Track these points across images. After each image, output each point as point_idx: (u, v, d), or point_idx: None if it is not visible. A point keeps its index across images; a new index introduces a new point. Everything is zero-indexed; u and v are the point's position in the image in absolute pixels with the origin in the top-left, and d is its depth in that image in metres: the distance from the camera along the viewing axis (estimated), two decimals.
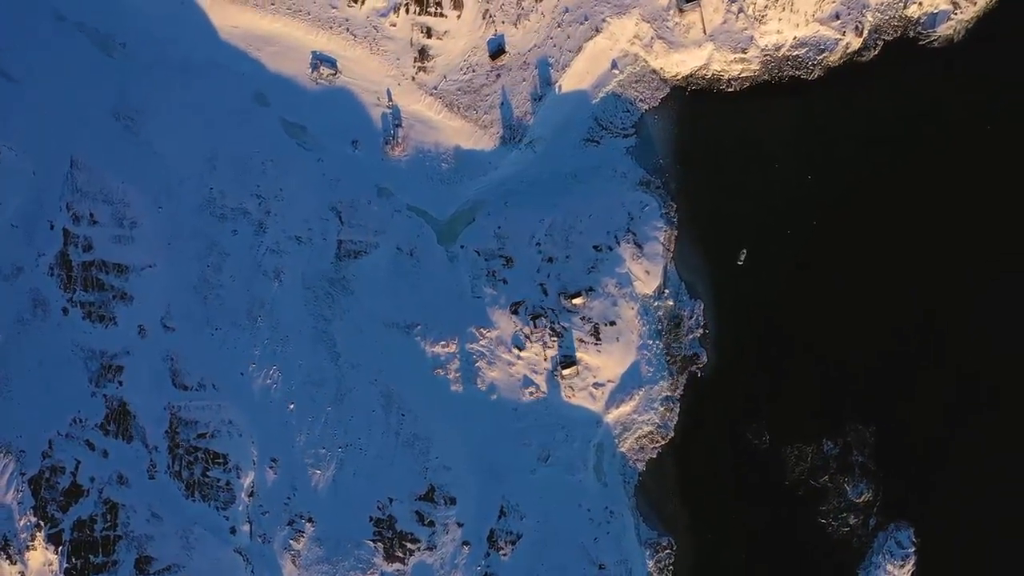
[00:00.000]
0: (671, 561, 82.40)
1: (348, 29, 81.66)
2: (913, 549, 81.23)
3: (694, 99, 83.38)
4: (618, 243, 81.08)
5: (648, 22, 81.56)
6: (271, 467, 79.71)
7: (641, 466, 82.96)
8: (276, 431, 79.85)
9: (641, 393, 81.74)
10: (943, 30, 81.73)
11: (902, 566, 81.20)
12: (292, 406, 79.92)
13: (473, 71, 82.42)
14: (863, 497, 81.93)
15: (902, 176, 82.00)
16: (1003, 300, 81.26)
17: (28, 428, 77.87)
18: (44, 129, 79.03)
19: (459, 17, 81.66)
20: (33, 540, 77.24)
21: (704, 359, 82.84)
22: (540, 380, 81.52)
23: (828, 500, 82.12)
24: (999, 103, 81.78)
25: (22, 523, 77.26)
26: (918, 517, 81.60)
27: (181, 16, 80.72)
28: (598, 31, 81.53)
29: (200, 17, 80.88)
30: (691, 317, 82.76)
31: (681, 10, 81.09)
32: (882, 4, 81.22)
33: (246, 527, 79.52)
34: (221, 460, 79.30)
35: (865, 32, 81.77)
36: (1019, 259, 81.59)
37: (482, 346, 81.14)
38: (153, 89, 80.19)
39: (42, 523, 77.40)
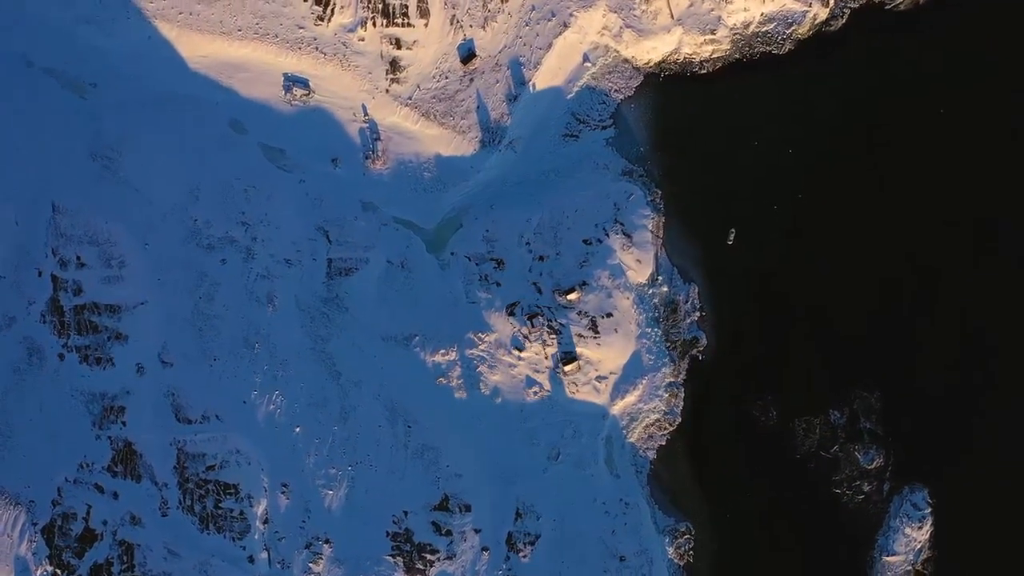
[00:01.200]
0: (690, 546, 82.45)
1: (317, 48, 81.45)
2: (929, 510, 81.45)
3: (669, 84, 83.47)
4: (607, 235, 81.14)
5: (615, 12, 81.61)
6: (283, 492, 79.40)
7: (651, 454, 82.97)
8: (284, 456, 79.49)
9: (644, 382, 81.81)
10: None
11: (920, 527, 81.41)
12: (298, 429, 79.64)
13: (446, 78, 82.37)
14: (874, 463, 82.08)
15: (881, 141, 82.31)
16: (992, 259, 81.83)
17: (36, 477, 77.27)
18: (22, 176, 78.33)
19: (427, 25, 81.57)
20: None
21: (704, 342, 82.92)
22: (543, 379, 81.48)
23: (840, 470, 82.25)
24: (967, 61, 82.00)
25: (38, 573, 76.67)
26: (931, 477, 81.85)
27: (149, 51, 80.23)
28: (566, 26, 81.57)
29: (168, 50, 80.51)
30: (687, 301, 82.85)
31: None
32: None
33: (264, 555, 79.12)
34: (232, 490, 78.90)
35: (831, 1, 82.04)
36: (1005, 218, 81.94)
37: (482, 351, 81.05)
38: (128, 126, 79.58)
39: (59, 571, 76.85)
